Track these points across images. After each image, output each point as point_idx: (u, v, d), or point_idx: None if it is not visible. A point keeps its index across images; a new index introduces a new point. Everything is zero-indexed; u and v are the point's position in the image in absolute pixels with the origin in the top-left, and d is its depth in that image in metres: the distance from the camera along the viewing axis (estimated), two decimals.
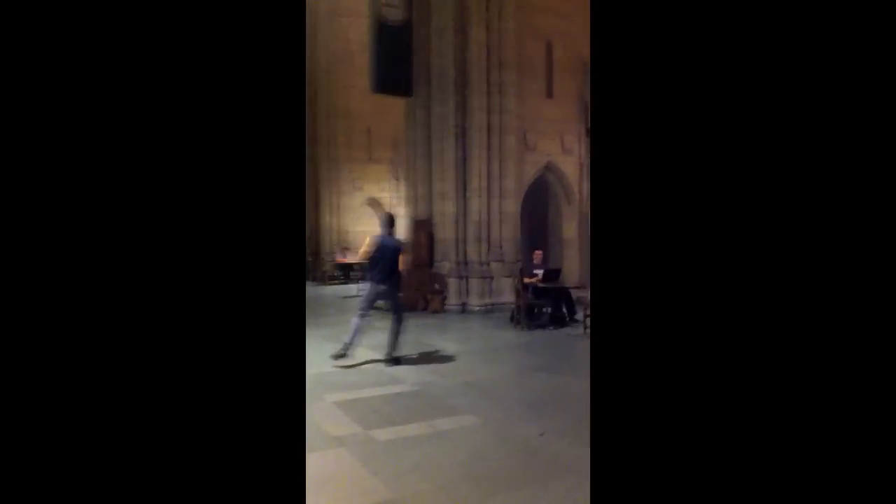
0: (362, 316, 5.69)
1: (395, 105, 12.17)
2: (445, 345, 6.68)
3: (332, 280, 15.57)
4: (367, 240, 5.82)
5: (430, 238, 10.15)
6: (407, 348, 6.20)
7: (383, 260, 5.63)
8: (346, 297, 12.09)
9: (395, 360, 5.63)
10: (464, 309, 9.55)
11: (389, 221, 5.90)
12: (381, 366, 5.53)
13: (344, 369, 5.39)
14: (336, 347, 5.78)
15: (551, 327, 7.85)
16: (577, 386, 4.62)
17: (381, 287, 5.68)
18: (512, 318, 8.14)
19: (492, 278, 9.70)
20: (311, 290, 14.59)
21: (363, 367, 5.52)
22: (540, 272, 8.17)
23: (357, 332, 5.63)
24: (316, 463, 3.11)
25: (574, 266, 11.03)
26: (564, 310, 8.13)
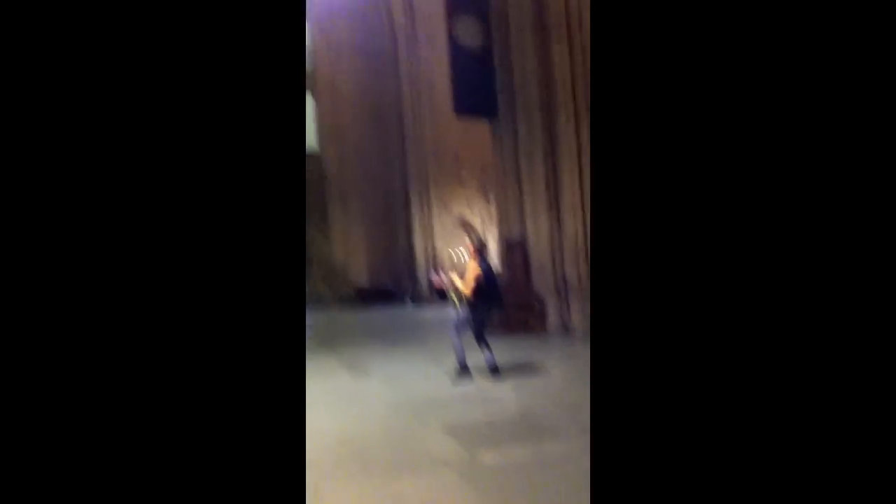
0: (458, 336, 5.87)
1: (482, 128, 12.30)
2: (547, 366, 6.57)
3: (428, 302, 15.79)
4: (472, 267, 5.78)
5: (525, 258, 10.08)
6: (507, 369, 6.20)
7: (489, 285, 5.75)
8: (444, 319, 12.21)
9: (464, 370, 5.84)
10: (564, 329, 9.37)
11: (483, 246, 6.12)
12: (484, 388, 5.53)
13: (446, 392, 5.43)
14: (438, 371, 6.00)
15: None
16: None
17: (488, 311, 5.82)
18: None
19: None
20: (409, 312, 14.87)
21: (465, 389, 5.54)
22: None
23: (461, 348, 5.83)
24: (423, 486, 3.15)
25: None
26: None
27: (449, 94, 11.02)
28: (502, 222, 10.82)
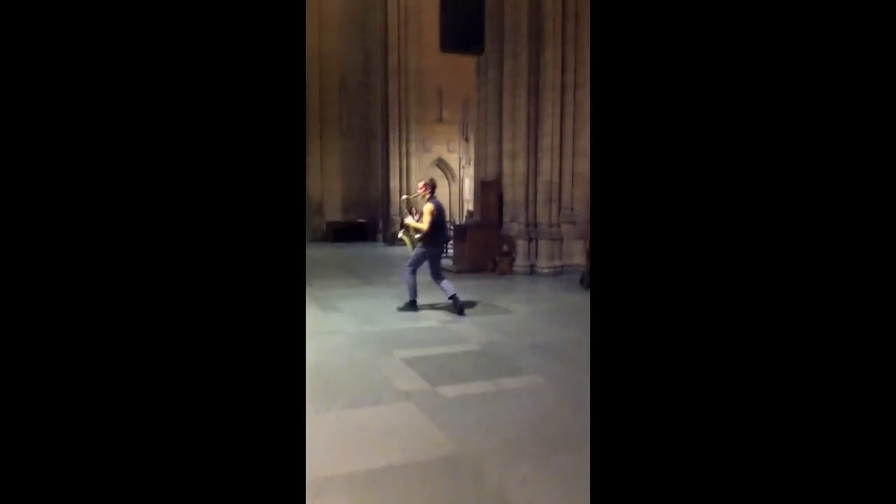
0: (414, 273, 6.15)
1: (467, 63, 11.99)
2: (512, 306, 6.68)
3: (399, 241, 15.79)
4: (429, 207, 6.02)
5: (499, 199, 10.07)
6: (473, 308, 6.31)
7: (442, 223, 6.05)
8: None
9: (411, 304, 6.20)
10: (532, 271, 9.49)
11: (435, 186, 6.34)
12: (448, 325, 5.61)
13: (411, 328, 5.50)
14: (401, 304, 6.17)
15: None
16: None
17: (440, 248, 6.19)
18: (581, 281, 8.02)
19: (561, 240, 9.55)
20: (381, 250, 14.89)
21: (430, 325, 5.62)
22: None
23: (415, 287, 6.16)
24: (385, 416, 3.21)
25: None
26: None
27: (436, 25, 10.66)
28: (479, 161, 10.73)
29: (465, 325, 5.57)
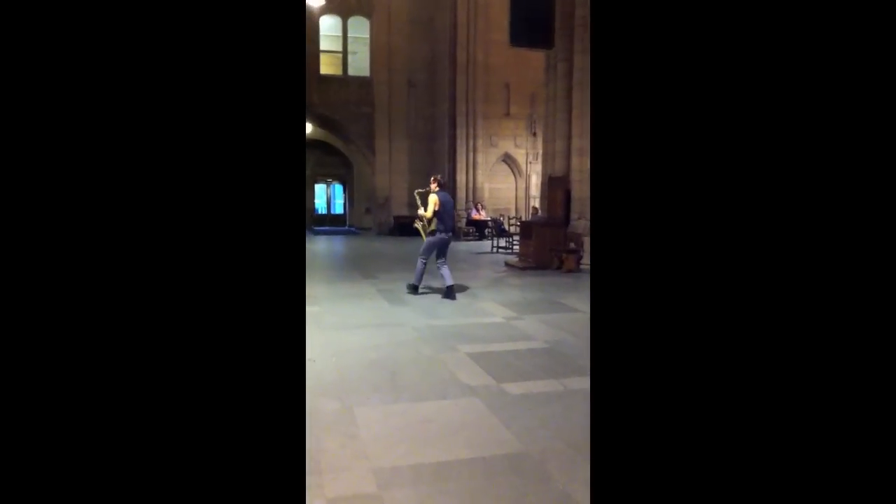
0: (425, 262, 6.91)
1: (535, 58, 11.87)
2: (578, 304, 6.58)
3: (466, 237, 15.85)
4: (433, 197, 6.73)
5: (567, 196, 9.93)
6: (539, 305, 6.26)
7: (447, 213, 6.75)
8: (479, 254, 12.26)
9: (414, 289, 6.98)
10: None
11: (443, 182, 7.12)
12: (513, 321, 5.60)
13: (476, 323, 5.52)
14: (470, 303, 6.25)
15: None
16: None
17: (447, 236, 6.85)
18: None
19: None
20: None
21: (495, 322, 5.62)
22: None
23: (422, 273, 6.94)
24: (450, 410, 3.25)
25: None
26: None
27: (503, 22, 10.61)
28: (547, 157, 10.61)
29: (531, 323, 5.54)
